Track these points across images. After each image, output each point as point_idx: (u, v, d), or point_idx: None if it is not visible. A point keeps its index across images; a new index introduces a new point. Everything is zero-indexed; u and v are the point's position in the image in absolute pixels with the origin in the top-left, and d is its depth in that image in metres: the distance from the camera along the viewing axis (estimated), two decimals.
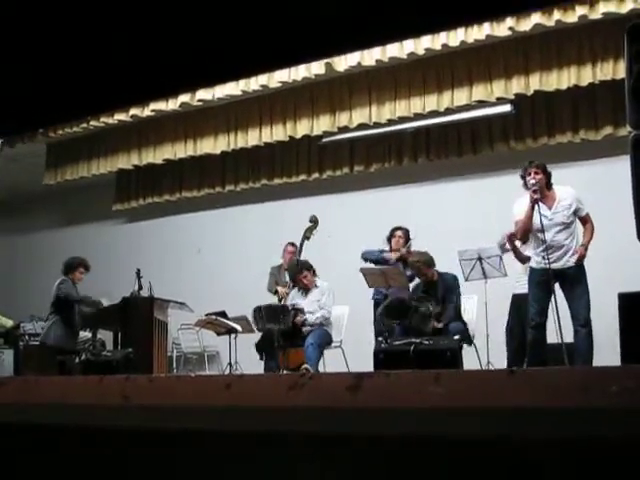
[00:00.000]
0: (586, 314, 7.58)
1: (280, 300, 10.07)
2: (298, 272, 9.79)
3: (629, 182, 3.26)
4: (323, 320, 9.49)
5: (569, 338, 7.68)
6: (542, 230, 7.66)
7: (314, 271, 9.86)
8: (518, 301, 8.65)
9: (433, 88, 10.38)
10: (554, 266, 7.67)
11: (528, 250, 8.41)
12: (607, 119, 9.88)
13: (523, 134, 10.58)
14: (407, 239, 9.62)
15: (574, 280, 7.69)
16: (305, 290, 9.80)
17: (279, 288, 10.25)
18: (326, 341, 9.38)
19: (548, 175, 7.88)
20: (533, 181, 7.72)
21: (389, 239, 9.72)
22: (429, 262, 8.83)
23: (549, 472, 1.77)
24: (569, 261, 7.72)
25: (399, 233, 9.66)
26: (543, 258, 7.65)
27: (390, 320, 8.42)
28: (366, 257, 9.58)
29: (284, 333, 9.21)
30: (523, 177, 7.86)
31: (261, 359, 9.32)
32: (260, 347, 9.39)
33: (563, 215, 7.77)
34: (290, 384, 2.00)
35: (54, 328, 9.85)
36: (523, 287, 8.61)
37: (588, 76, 9.43)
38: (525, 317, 8.59)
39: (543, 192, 7.80)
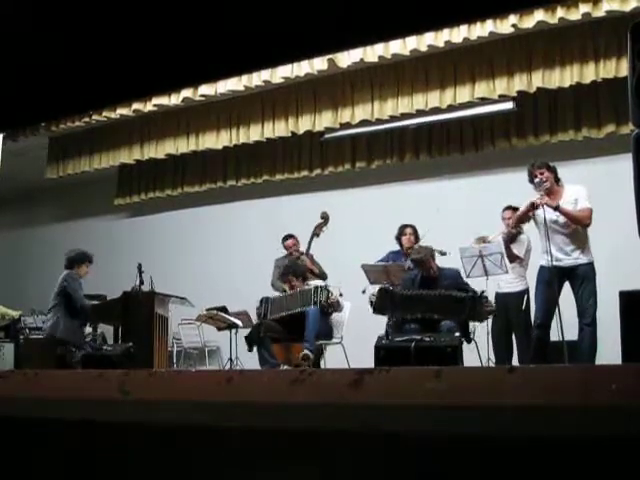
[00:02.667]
0: (593, 313, 7.61)
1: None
2: (286, 274, 9.70)
3: (631, 180, 3.25)
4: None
5: (569, 336, 7.69)
6: (545, 225, 7.69)
7: (304, 278, 9.75)
8: (502, 300, 8.69)
9: (435, 85, 10.36)
10: (564, 263, 7.70)
11: (519, 250, 8.57)
12: (610, 117, 9.87)
13: (525, 131, 10.57)
14: (417, 236, 9.53)
15: (584, 278, 7.72)
16: None
17: (286, 287, 10.22)
18: (325, 332, 9.33)
19: (553, 171, 7.92)
20: (538, 180, 7.77)
21: (398, 238, 9.63)
22: (432, 254, 8.79)
23: (549, 470, 1.77)
24: (579, 259, 7.74)
25: (409, 230, 9.52)
26: (551, 256, 7.67)
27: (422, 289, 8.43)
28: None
29: (285, 323, 9.18)
30: (531, 181, 7.90)
31: (249, 350, 9.20)
32: (249, 340, 9.25)
33: None
34: (291, 379, 2.01)
35: (63, 320, 9.75)
36: (509, 286, 8.69)
37: (591, 74, 9.41)
38: (511, 316, 8.66)
39: (553, 188, 7.84)
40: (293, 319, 9.18)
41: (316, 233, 10.19)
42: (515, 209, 8.65)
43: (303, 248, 10.27)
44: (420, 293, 8.48)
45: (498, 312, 8.69)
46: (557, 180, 7.94)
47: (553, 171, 7.93)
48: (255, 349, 9.16)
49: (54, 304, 9.87)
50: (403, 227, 9.58)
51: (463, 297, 8.20)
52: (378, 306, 8.42)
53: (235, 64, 1.79)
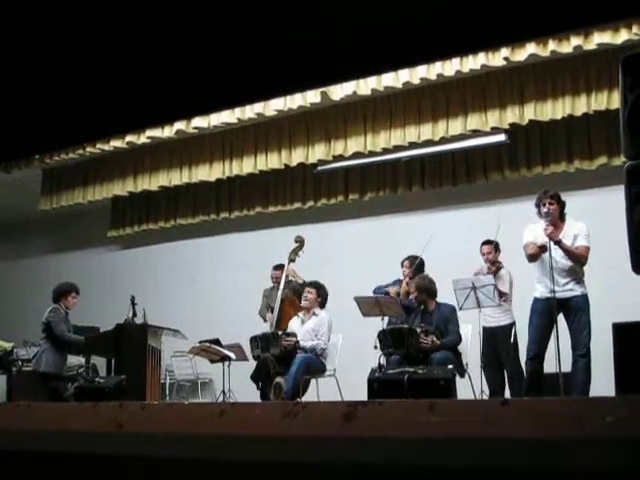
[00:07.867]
0: (587, 344, 7.59)
1: (271, 326, 10.03)
2: (300, 293, 9.71)
3: (623, 212, 3.26)
4: (318, 350, 9.34)
5: (563, 367, 7.67)
6: (548, 261, 7.69)
7: (319, 292, 9.71)
8: (489, 335, 8.71)
9: (428, 117, 10.40)
10: (558, 295, 7.68)
11: (503, 285, 8.62)
12: (601, 149, 9.90)
13: (518, 164, 10.59)
14: (412, 267, 9.43)
15: (578, 310, 7.70)
16: (305, 314, 9.67)
17: (268, 315, 10.22)
18: (315, 369, 9.26)
19: (562, 205, 7.91)
20: (546, 210, 7.75)
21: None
22: (429, 291, 8.83)
23: None
24: (573, 290, 7.73)
25: (405, 263, 9.51)
26: (547, 288, 7.67)
27: (386, 348, 8.40)
28: (374, 292, 9.50)
29: (278, 359, 9.13)
30: (537, 206, 7.89)
31: (258, 389, 9.20)
32: (255, 377, 9.26)
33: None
34: (284, 412, 2.00)
35: (46, 355, 9.78)
36: (496, 321, 8.71)
37: (583, 106, 9.46)
38: (498, 349, 8.67)
39: (556, 222, 7.83)
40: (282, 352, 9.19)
41: (291, 259, 10.20)
42: (491, 242, 8.74)
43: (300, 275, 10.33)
44: (399, 327, 8.59)
45: (486, 345, 8.70)
46: (562, 216, 7.92)
47: (562, 205, 7.92)
48: (259, 386, 9.20)
49: (41, 337, 9.92)
50: (404, 259, 9.58)
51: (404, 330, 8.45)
52: (384, 350, 8.48)
53: (228, 97, 1.79)
